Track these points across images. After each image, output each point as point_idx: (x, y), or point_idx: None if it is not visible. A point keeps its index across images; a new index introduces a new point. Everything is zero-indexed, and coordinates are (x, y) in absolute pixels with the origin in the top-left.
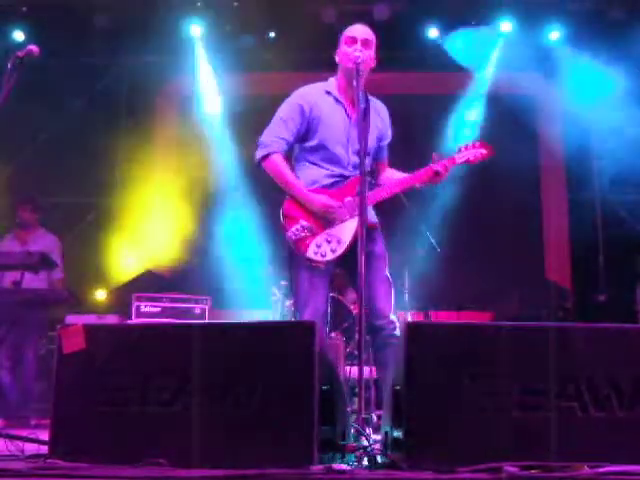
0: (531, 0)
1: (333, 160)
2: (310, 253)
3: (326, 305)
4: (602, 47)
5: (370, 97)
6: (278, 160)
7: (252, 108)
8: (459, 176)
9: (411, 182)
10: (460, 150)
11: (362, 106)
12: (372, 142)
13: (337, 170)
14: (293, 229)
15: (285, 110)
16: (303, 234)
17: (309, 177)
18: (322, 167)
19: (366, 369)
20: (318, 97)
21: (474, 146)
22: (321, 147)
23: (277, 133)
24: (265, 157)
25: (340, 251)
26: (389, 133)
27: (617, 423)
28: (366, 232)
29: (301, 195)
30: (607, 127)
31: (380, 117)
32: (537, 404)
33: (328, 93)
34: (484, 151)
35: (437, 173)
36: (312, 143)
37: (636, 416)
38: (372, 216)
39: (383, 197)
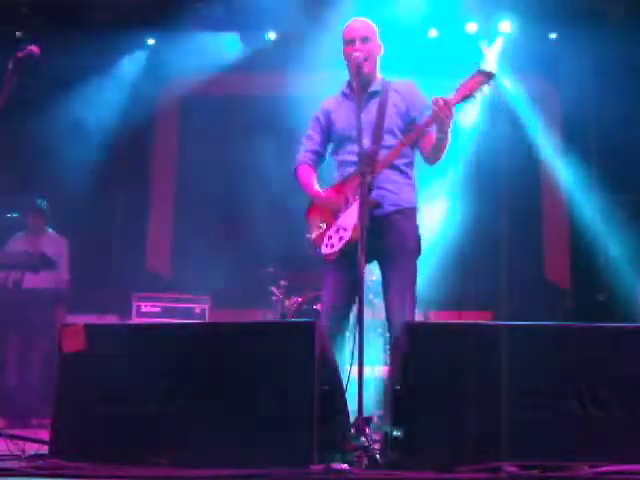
0: (531, 0)
1: (351, 152)
2: (322, 248)
3: (342, 303)
4: (602, 47)
5: (388, 80)
6: (302, 170)
7: (252, 108)
8: (458, 175)
9: (418, 131)
10: (457, 89)
11: (373, 89)
12: (393, 120)
13: (355, 159)
14: (312, 228)
15: (309, 124)
16: (320, 231)
17: (336, 176)
18: (344, 163)
19: (366, 369)
20: (331, 102)
21: (469, 78)
22: (340, 145)
23: (304, 147)
24: (295, 171)
25: (347, 237)
26: (419, 106)
27: (617, 423)
28: (374, 221)
29: (313, 195)
30: (607, 127)
31: (400, 94)
32: (537, 404)
33: (341, 92)
34: (480, 78)
35: (444, 116)
36: (333, 146)
37: (636, 416)
38: (385, 194)
39: (394, 155)
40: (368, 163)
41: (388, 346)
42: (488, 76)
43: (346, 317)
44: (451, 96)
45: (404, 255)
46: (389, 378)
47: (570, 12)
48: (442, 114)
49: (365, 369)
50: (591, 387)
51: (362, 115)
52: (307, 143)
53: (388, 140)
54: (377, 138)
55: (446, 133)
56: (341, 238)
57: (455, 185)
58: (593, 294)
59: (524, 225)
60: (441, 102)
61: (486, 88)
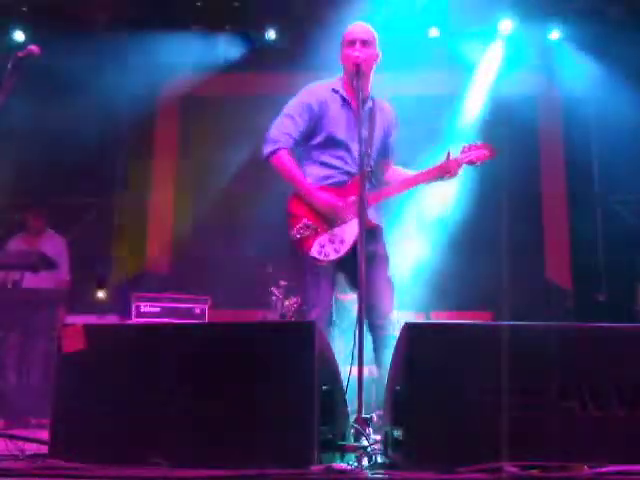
0: (531, 0)
1: (339, 158)
2: (314, 252)
3: (331, 305)
4: (602, 47)
5: (375, 97)
6: (285, 156)
7: (252, 108)
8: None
9: (419, 180)
10: (464, 150)
11: (368, 106)
12: (377, 141)
13: (343, 167)
14: (297, 228)
15: (293, 107)
16: (307, 233)
17: (315, 176)
18: (328, 165)
19: (366, 369)
20: (326, 95)
21: (477, 147)
22: (327, 145)
23: (285, 129)
24: (273, 153)
25: (343, 251)
26: (394, 131)
27: (617, 423)
28: (369, 233)
29: (307, 193)
30: (607, 127)
31: (385, 116)
32: (537, 404)
33: (335, 91)
34: (486, 152)
35: (448, 172)
36: (318, 141)
37: (636, 416)
38: (375, 216)
39: (388, 196)
40: (369, 178)
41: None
42: (492, 153)
43: (331, 318)
44: (460, 157)
45: (386, 261)
46: (389, 378)
47: (570, 11)
48: (452, 171)
49: (365, 369)
50: (591, 387)
51: (357, 126)
52: (289, 126)
53: (373, 158)
54: (367, 153)
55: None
56: (337, 250)
57: (455, 185)
58: (593, 294)
59: (525, 225)
60: (454, 161)
61: (486, 162)
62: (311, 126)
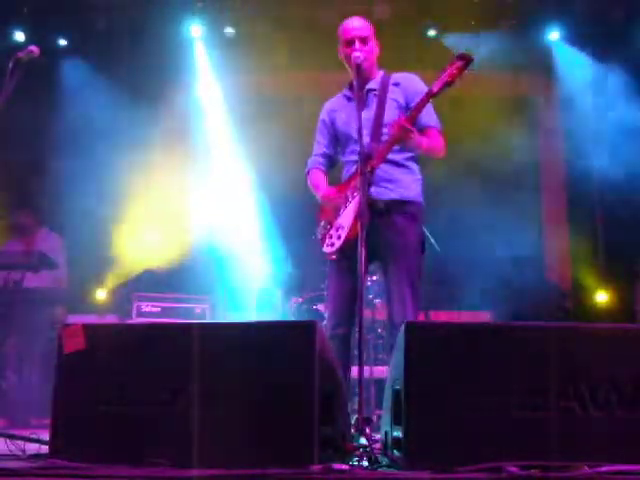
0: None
1: (351, 152)
2: (324, 247)
3: (346, 300)
4: (602, 47)
5: (389, 74)
6: (311, 175)
7: (253, 108)
8: (459, 175)
9: (391, 146)
10: (438, 77)
11: (369, 87)
12: (393, 114)
13: (354, 158)
14: (318, 230)
15: (316, 129)
16: (323, 232)
17: (343, 177)
18: (346, 163)
19: (366, 369)
20: (334, 103)
21: (450, 65)
22: (344, 145)
23: (313, 152)
24: (306, 176)
25: (345, 235)
26: (419, 97)
27: (617, 423)
28: (378, 212)
29: (318, 196)
30: (607, 127)
31: (399, 87)
32: (537, 404)
33: (343, 95)
34: (459, 62)
35: (404, 128)
36: (340, 146)
37: (636, 416)
38: (382, 191)
39: (386, 151)
40: (367, 161)
41: (388, 346)
42: (466, 60)
43: (352, 316)
44: (432, 85)
45: (403, 252)
46: (389, 378)
47: (570, 11)
48: (399, 135)
49: (365, 369)
50: (591, 387)
51: (362, 113)
52: (315, 147)
53: (387, 134)
54: (376, 135)
55: (415, 147)
56: (340, 237)
57: (456, 185)
58: (593, 294)
59: (524, 225)
60: (396, 125)
61: (465, 73)
62: (333, 136)
